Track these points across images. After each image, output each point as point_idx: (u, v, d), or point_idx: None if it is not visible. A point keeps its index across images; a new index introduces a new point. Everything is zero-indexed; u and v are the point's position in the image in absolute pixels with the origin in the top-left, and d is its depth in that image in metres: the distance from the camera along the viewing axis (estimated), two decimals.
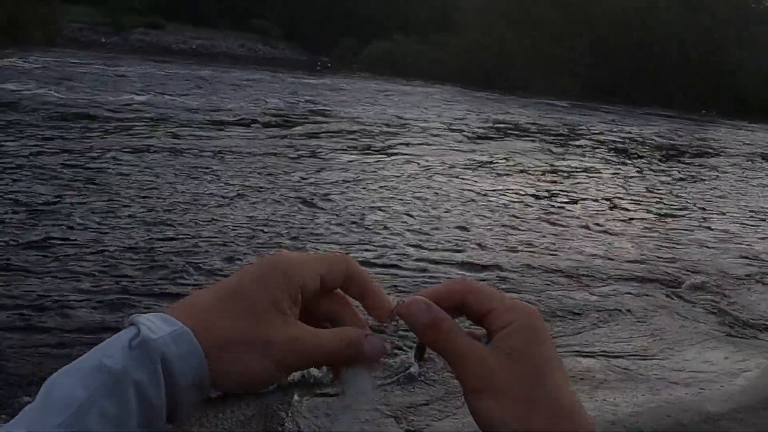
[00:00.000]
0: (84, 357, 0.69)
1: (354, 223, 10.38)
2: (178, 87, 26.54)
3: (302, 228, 9.78)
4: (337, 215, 10.70)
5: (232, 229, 9.28)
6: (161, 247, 8.25)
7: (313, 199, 11.48)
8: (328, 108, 25.23)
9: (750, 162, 25.35)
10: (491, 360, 0.74)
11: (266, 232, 9.34)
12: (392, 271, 8.41)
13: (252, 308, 0.74)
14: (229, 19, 58.73)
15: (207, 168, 12.92)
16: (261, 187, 11.91)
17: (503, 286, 8.11)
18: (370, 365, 0.80)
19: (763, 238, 12.75)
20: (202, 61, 43.85)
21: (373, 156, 16.52)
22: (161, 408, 0.69)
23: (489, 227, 11.10)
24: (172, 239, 8.57)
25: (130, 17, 52.34)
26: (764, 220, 14.65)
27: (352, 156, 16.16)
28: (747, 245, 11.94)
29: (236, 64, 43.59)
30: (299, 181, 12.80)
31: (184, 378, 0.71)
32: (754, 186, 19.56)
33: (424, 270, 8.55)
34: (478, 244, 10.03)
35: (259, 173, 13.06)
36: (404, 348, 6.08)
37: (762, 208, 16.13)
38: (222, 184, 11.75)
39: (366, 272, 0.83)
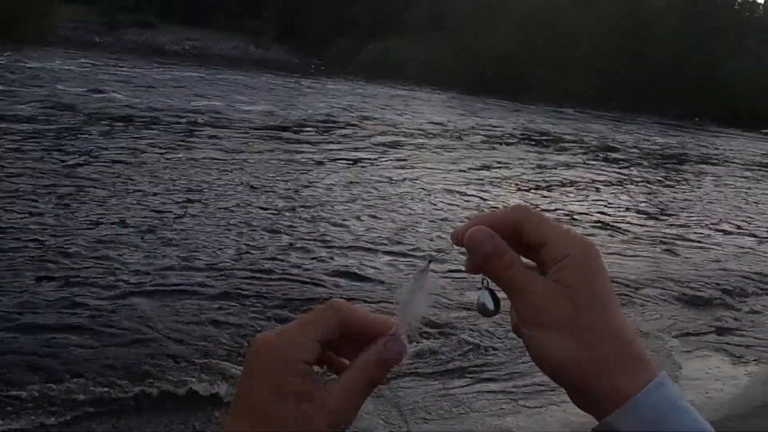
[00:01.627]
0: None
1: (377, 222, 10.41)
2: (226, 91, 27.36)
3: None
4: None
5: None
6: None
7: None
8: (366, 114, 25.97)
9: (751, 171, 25.43)
10: (551, 293, 0.74)
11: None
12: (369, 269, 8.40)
13: (288, 422, 0.72)
14: (222, 19, 58.52)
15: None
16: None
17: None
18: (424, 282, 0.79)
19: (762, 249, 12.75)
20: (217, 63, 44.32)
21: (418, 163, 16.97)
22: None
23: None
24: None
25: (123, 16, 52.15)
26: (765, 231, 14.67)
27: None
28: (744, 255, 11.94)
29: (239, 67, 43.60)
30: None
31: None
32: (758, 195, 19.64)
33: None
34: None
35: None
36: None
37: (762, 217, 16.23)
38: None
39: (357, 309, 0.79)
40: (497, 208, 13.09)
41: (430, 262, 0.80)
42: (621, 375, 0.72)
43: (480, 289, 0.80)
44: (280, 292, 7.41)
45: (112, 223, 9.01)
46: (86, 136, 14.86)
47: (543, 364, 0.76)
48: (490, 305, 0.80)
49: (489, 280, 0.79)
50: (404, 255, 9.36)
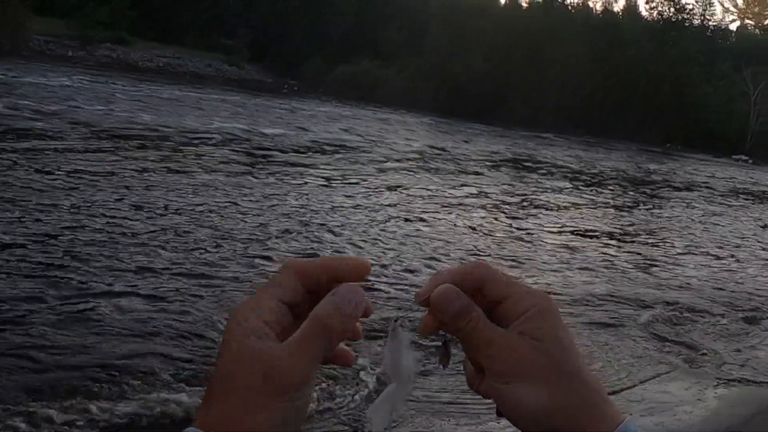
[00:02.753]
0: None
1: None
2: (222, 112, 27.70)
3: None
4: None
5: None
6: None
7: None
8: (349, 136, 26.33)
9: (720, 196, 25.80)
10: (520, 346, 0.75)
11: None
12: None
13: (248, 386, 0.72)
14: (195, 37, 58.40)
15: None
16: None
17: None
18: (403, 337, 0.79)
19: (729, 272, 12.82)
20: (192, 81, 44.48)
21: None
22: None
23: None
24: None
25: (97, 31, 51.96)
26: (732, 254, 14.76)
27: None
28: (712, 279, 11.97)
29: (216, 85, 43.87)
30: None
31: None
32: (727, 220, 19.94)
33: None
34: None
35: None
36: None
37: (730, 241, 16.42)
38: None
39: (316, 259, 0.80)
40: (474, 229, 13.22)
41: (396, 321, 0.80)
42: (591, 421, 0.74)
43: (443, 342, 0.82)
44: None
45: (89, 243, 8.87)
46: (79, 152, 14.69)
47: (515, 416, 0.77)
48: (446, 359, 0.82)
49: (450, 336, 0.80)
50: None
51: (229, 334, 0.74)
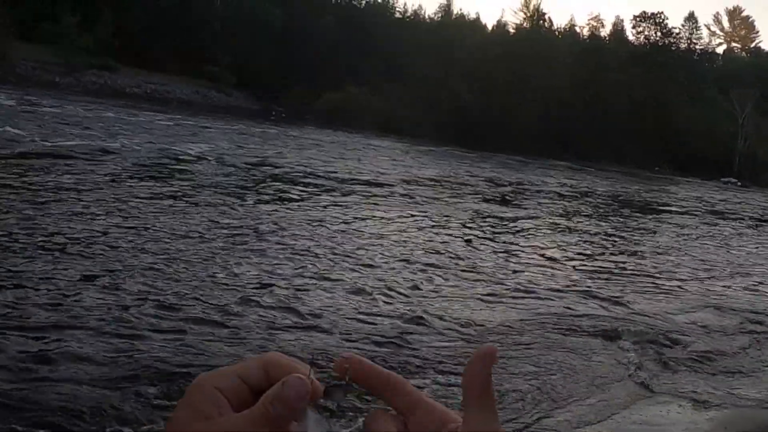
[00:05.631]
0: None
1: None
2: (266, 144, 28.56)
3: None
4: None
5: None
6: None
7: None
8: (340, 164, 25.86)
9: (707, 218, 25.94)
10: None
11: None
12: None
13: None
14: (180, 64, 58.51)
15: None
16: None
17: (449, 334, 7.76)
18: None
19: (715, 294, 12.60)
20: (180, 107, 44.85)
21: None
22: None
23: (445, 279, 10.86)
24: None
25: (82, 58, 52.01)
26: (720, 276, 14.58)
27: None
28: (695, 301, 11.76)
29: (198, 111, 44.06)
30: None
31: None
32: (706, 240, 19.90)
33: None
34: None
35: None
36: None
37: (712, 260, 16.29)
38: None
39: (283, 356, 0.76)
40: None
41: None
42: None
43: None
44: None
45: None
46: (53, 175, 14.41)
47: None
48: None
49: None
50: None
51: (189, 392, 0.71)
